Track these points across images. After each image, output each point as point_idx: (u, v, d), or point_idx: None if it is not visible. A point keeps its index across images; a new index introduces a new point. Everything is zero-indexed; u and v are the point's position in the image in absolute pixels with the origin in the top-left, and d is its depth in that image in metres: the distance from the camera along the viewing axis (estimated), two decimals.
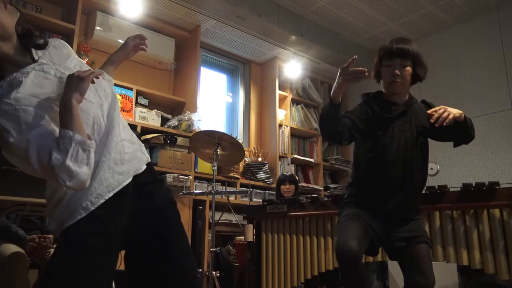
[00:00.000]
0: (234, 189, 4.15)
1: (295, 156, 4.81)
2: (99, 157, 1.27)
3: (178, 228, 1.46)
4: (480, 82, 4.33)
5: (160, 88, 4.21)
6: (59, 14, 3.66)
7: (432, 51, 4.68)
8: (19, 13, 1.26)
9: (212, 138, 3.27)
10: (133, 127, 3.62)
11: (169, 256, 1.38)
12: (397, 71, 1.80)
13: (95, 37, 3.65)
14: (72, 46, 3.35)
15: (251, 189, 3.97)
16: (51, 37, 3.23)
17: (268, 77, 5.00)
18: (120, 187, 1.31)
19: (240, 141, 4.17)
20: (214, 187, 3.30)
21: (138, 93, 3.86)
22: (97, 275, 1.24)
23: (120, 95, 3.67)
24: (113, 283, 2.40)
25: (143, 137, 3.65)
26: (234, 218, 3.78)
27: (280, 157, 4.67)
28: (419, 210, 1.90)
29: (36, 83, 1.22)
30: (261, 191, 4.35)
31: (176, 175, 3.62)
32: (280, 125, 4.75)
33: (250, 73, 5.07)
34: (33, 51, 1.30)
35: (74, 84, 1.22)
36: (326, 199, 2.55)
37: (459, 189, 2.14)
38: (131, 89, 3.77)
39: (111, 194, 1.28)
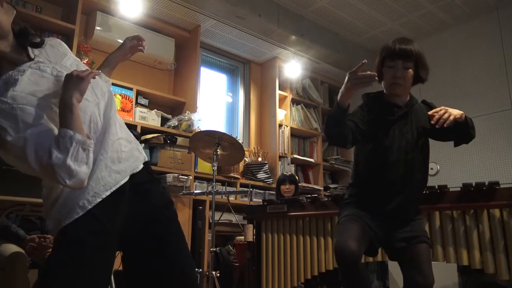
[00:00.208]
0: (234, 189, 4.15)
1: (295, 156, 4.81)
2: (96, 156, 1.27)
3: (175, 228, 1.46)
4: (480, 82, 4.34)
5: (160, 88, 4.21)
6: (59, 14, 3.66)
7: (432, 51, 4.68)
8: (15, 11, 1.26)
9: (212, 138, 3.27)
10: (133, 127, 3.62)
11: (166, 256, 1.38)
12: (399, 73, 1.79)
13: (95, 37, 3.65)
14: (72, 46, 3.38)
15: (251, 189, 3.97)
16: (51, 37, 3.22)
17: (268, 77, 5.00)
18: (117, 185, 1.30)
19: (240, 141, 4.17)
20: (214, 187, 3.30)
21: (138, 93, 3.86)
22: (95, 274, 1.24)
23: (120, 95, 3.67)
24: (113, 283, 2.41)
25: (143, 137, 3.65)
26: (234, 218, 3.78)
27: (280, 157, 4.67)
28: (419, 210, 1.90)
29: (32, 81, 1.22)
30: (261, 191, 4.35)
31: (176, 175, 3.62)
32: (280, 125, 4.75)
33: (250, 73, 5.07)
34: (30, 49, 1.29)
35: (74, 84, 1.22)
36: (326, 199, 2.54)
37: (459, 189, 2.14)
38: (131, 89, 3.77)
39: (108, 193, 1.28)
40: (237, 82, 5.06)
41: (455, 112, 1.76)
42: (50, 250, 2.27)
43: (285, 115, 4.86)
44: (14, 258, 2.15)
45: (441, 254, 2.08)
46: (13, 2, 3.25)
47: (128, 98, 3.73)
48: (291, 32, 4.38)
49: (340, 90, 1.69)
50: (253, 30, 4.34)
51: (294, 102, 5.02)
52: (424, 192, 2.18)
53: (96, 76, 1.32)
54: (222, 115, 4.90)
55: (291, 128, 4.83)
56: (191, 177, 3.78)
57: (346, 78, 1.65)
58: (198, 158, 3.88)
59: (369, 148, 1.84)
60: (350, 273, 1.60)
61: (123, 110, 3.66)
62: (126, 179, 1.34)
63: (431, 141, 1.91)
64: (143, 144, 3.64)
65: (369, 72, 1.62)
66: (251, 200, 3.97)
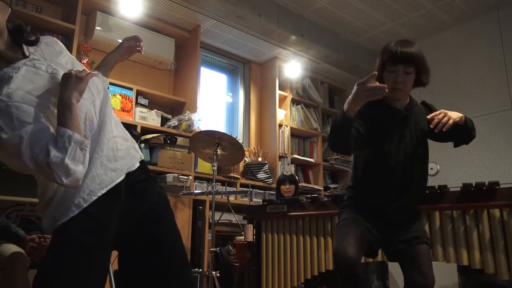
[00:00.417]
0: (234, 189, 4.15)
1: (295, 156, 4.81)
2: (92, 154, 1.26)
3: (172, 227, 1.45)
4: (480, 82, 4.34)
5: (160, 88, 4.21)
6: (59, 14, 3.66)
7: (432, 51, 4.68)
8: (10, 9, 1.26)
9: (212, 138, 3.27)
10: (133, 127, 3.62)
11: (163, 256, 1.37)
12: (400, 78, 1.76)
13: (95, 37, 3.65)
14: (72, 46, 3.38)
15: (251, 189, 3.97)
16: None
17: (268, 77, 5.00)
18: (113, 184, 1.30)
19: (240, 141, 4.17)
20: (214, 187, 3.30)
21: (138, 93, 3.86)
22: (91, 273, 1.24)
23: (120, 95, 3.67)
24: (113, 283, 2.40)
25: (143, 137, 3.65)
26: (234, 218, 3.78)
27: (280, 157, 4.67)
28: (419, 212, 1.89)
29: (27, 79, 1.22)
30: (261, 191, 4.35)
31: (176, 175, 3.62)
32: (280, 125, 4.75)
33: (250, 73, 5.06)
34: (25, 47, 1.29)
35: (74, 84, 1.22)
36: (326, 199, 2.54)
37: (459, 189, 2.14)
38: (131, 89, 3.77)
39: (104, 191, 1.27)
40: (237, 82, 5.06)
41: (455, 116, 1.74)
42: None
43: (285, 115, 4.86)
44: (14, 258, 2.15)
45: (441, 254, 2.08)
46: (13, 2, 3.25)
47: (128, 98, 3.73)
48: (291, 32, 4.38)
49: (347, 101, 1.66)
50: (253, 30, 4.34)
51: (294, 102, 5.02)
52: (425, 192, 2.18)
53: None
54: (222, 115, 4.90)
55: (291, 128, 4.83)
56: (191, 177, 3.78)
57: (355, 89, 1.62)
58: (198, 158, 3.88)
59: (369, 152, 1.83)
60: (349, 278, 1.62)
61: (123, 110, 3.66)
62: (122, 177, 1.34)
63: (430, 141, 1.91)
64: (143, 144, 3.64)
65: (379, 84, 1.59)
66: (251, 200, 3.97)
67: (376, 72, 1.63)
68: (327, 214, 2.48)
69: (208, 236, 3.69)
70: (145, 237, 1.38)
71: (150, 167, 3.53)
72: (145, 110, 3.84)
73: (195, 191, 3.64)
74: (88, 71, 1.30)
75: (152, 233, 1.39)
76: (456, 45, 4.59)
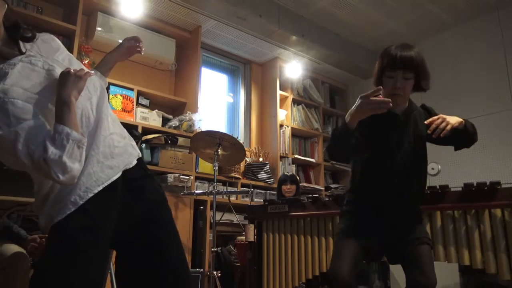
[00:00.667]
0: (235, 189, 4.16)
1: (296, 156, 4.81)
2: (88, 151, 1.26)
3: (169, 226, 1.45)
4: (481, 82, 4.33)
5: (161, 88, 4.21)
6: (60, 15, 3.67)
7: (433, 51, 4.68)
8: (6, 5, 1.26)
9: (213, 138, 3.27)
10: (134, 127, 3.62)
11: (161, 255, 1.37)
12: (399, 84, 1.74)
13: (96, 37, 3.66)
14: (73, 47, 3.38)
15: (252, 189, 3.97)
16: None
17: (269, 78, 5.00)
18: (110, 181, 1.30)
19: (241, 141, 4.18)
20: (215, 187, 3.30)
21: (139, 94, 3.87)
22: (89, 270, 1.24)
23: (121, 95, 3.68)
24: (114, 283, 2.41)
25: (144, 138, 3.66)
26: (235, 218, 3.78)
27: (281, 157, 4.67)
28: (420, 212, 1.89)
29: (23, 75, 1.21)
30: (262, 191, 4.35)
31: (177, 175, 3.62)
32: (281, 125, 4.76)
33: (251, 74, 5.07)
34: (21, 43, 1.29)
35: (73, 82, 1.22)
36: (327, 199, 2.54)
37: (460, 189, 2.14)
38: (132, 89, 3.77)
39: (100, 188, 1.27)
40: (238, 82, 5.07)
41: (453, 121, 1.71)
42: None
43: (286, 115, 4.86)
44: (15, 258, 2.15)
45: (442, 254, 2.08)
46: (14, 3, 3.26)
47: (129, 98, 3.73)
48: (292, 32, 4.38)
49: (349, 112, 1.64)
50: (253, 31, 4.35)
51: (295, 102, 5.03)
52: (425, 191, 2.18)
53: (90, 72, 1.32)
54: (223, 115, 4.91)
55: (292, 128, 4.83)
56: (192, 177, 3.78)
57: (358, 102, 1.60)
58: (199, 158, 3.89)
59: (366, 156, 1.81)
60: None
61: (124, 110, 3.67)
62: (119, 174, 1.33)
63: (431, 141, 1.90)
64: (144, 145, 3.64)
65: (384, 98, 1.57)
66: (252, 200, 3.97)
67: (382, 87, 1.61)
68: (328, 214, 2.48)
69: (209, 236, 3.69)
70: (143, 236, 1.37)
71: (151, 167, 3.54)
72: (146, 110, 3.84)
73: (196, 191, 3.65)
74: (87, 70, 1.30)
75: (150, 232, 1.38)
76: (457, 45, 4.59)
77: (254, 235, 2.80)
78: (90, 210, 1.25)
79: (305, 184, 4.74)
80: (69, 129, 1.17)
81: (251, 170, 4.42)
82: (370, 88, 1.93)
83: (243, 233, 3.51)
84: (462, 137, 1.80)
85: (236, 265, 3.65)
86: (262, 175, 4.42)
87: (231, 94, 5.04)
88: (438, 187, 2.19)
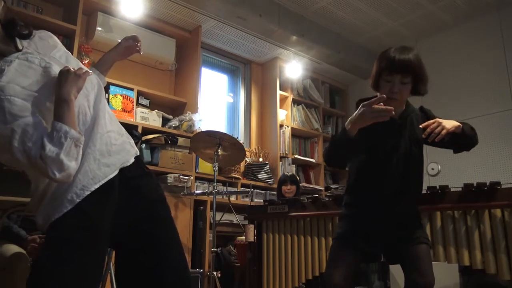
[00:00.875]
0: (235, 189, 4.16)
1: (296, 156, 4.81)
2: (84, 148, 1.26)
3: (168, 225, 1.44)
4: (481, 82, 4.33)
5: (161, 88, 4.21)
6: (60, 15, 3.67)
7: (433, 51, 4.68)
8: (3, 3, 1.26)
9: (213, 138, 3.27)
10: (134, 127, 3.62)
11: (160, 254, 1.36)
12: (396, 89, 1.71)
13: (96, 37, 3.66)
14: (73, 47, 3.38)
15: (252, 190, 3.97)
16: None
17: (269, 78, 5.00)
18: (106, 179, 1.29)
19: (241, 142, 4.18)
20: (215, 188, 3.30)
21: (139, 94, 3.87)
22: (86, 269, 1.23)
23: (121, 95, 3.68)
24: (114, 282, 2.40)
25: (144, 138, 3.66)
26: (235, 218, 3.78)
27: (281, 158, 4.67)
28: (418, 213, 1.88)
29: (20, 72, 1.21)
30: (262, 192, 4.35)
31: (177, 175, 3.62)
32: (281, 126, 4.75)
33: (251, 74, 5.07)
34: (18, 40, 1.28)
35: (73, 80, 1.22)
36: (327, 199, 2.54)
37: (460, 189, 2.14)
38: (132, 89, 3.77)
39: (97, 186, 1.27)
40: (238, 82, 5.07)
41: (449, 126, 1.69)
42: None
43: (286, 115, 4.86)
44: (15, 258, 2.15)
45: (442, 254, 2.08)
46: (14, 3, 3.26)
47: (129, 98, 3.73)
48: (292, 32, 4.38)
49: (350, 120, 1.62)
50: (253, 31, 4.34)
51: (295, 102, 5.02)
52: (425, 192, 2.18)
53: (87, 69, 1.33)
54: (223, 115, 4.91)
55: (292, 128, 4.83)
56: (192, 178, 3.78)
57: (360, 110, 1.58)
58: (199, 159, 3.88)
59: (361, 159, 1.81)
60: None
61: (124, 110, 3.67)
62: (116, 172, 1.33)
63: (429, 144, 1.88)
64: (144, 145, 3.64)
65: (386, 107, 1.55)
66: (252, 200, 3.97)
67: (385, 95, 1.59)
68: (328, 214, 2.48)
69: (209, 236, 3.69)
70: (142, 235, 1.37)
71: (151, 167, 3.54)
72: (146, 110, 3.84)
73: (196, 192, 3.65)
74: (86, 69, 1.30)
75: (149, 231, 1.38)
76: (457, 45, 4.59)
77: (254, 236, 2.80)
78: (87, 208, 1.24)
79: (305, 184, 4.74)
80: (68, 127, 1.17)
81: (251, 170, 4.42)
82: (370, 88, 1.93)
83: (243, 233, 3.51)
84: (460, 141, 1.79)
85: (236, 266, 3.65)
86: (262, 175, 4.42)
87: (231, 94, 5.03)
88: (438, 187, 2.19)
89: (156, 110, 3.92)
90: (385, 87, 1.74)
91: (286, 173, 3.89)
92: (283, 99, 4.93)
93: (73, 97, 1.21)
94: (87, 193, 1.25)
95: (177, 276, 1.40)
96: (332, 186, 5.08)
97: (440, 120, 1.71)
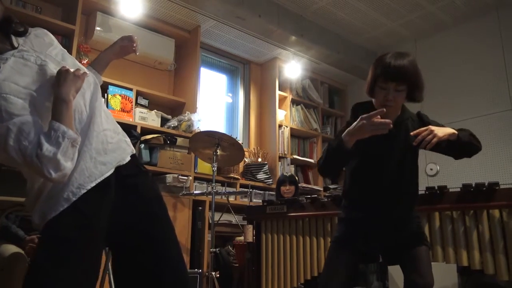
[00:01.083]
0: (234, 189, 4.15)
1: (295, 156, 4.81)
2: (80, 147, 1.26)
3: (164, 223, 1.44)
4: (480, 83, 4.33)
5: (160, 88, 4.21)
6: (59, 15, 3.66)
7: (432, 51, 4.68)
8: None
9: (212, 138, 3.27)
10: (133, 127, 3.62)
11: (157, 253, 1.36)
12: (390, 96, 1.70)
13: (95, 37, 3.65)
14: (72, 47, 3.38)
15: (251, 190, 3.97)
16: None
17: (268, 78, 5.00)
18: (103, 177, 1.29)
19: (240, 142, 4.17)
20: (214, 188, 3.30)
21: (138, 94, 3.86)
22: (82, 268, 1.23)
23: (120, 95, 3.67)
24: (113, 281, 2.40)
25: (143, 138, 3.65)
26: (234, 218, 3.78)
27: (280, 158, 4.67)
28: (416, 214, 1.86)
29: (15, 70, 1.21)
30: (261, 192, 4.35)
31: (176, 175, 3.62)
32: (280, 126, 4.75)
33: (250, 74, 5.07)
34: (13, 38, 1.28)
35: (72, 81, 1.22)
36: (326, 199, 2.55)
37: (458, 189, 2.14)
38: (131, 89, 3.77)
39: (93, 184, 1.27)
40: (237, 82, 5.06)
41: (441, 133, 1.66)
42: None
43: (285, 116, 4.86)
44: (13, 258, 2.15)
45: (440, 254, 2.09)
46: (13, 3, 3.26)
47: (128, 98, 3.73)
48: (291, 32, 4.38)
49: (348, 131, 1.62)
50: (253, 31, 4.34)
51: (294, 102, 5.02)
52: (424, 192, 2.19)
53: (83, 68, 1.34)
54: (222, 115, 4.91)
55: (291, 129, 4.83)
56: (191, 178, 3.78)
57: (359, 122, 1.58)
58: (198, 159, 3.88)
59: (355, 164, 1.80)
60: None
61: (123, 110, 3.66)
62: (112, 171, 1.33)
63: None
64: (143, 145, 3.64)
65: (385, 120, 1.56)
66: (251, 200, 3.97)
67: (384, 109, 1.60)
68: (327, 215, 2.48)
69: (207, 236, 3.69)
70: (139, 234, 1.36)
71: (150, 167, 3.54)
72: (145, 110, 3.84)
73: (194, 192, 3.64)
74: (83, 71, 1.30)
75: (145, 230, 1.37)
76: (456, 46, 4.59)
77: (253, 236, 2.80)
78: (83, 207, 1.24)
79: (304, 185, 4.74)
80: (66, 127, 1.17)
81: (250, 171, 4.41)
82: (363, 94, 1.90)
83: (242, 233, 3.51)
84: (457, 149, 1.77)
85: (234, 266, 3.65)
86: (261, 176, 4.42)
87: (230, 94, 5.03)
88: (436, 187, 2.19)
89: (155, 110, 3.91)
90: (380, 94, 1.73)
91: (285, 174, 3.88)
92: (282, 99, 4.93)
93: (71, 98, 1.21)
94: (83, 191, 1.25)
95: (176, 277, 1.39)
96: (331, 186, 5.08)
97: (433, 128, 1.68)
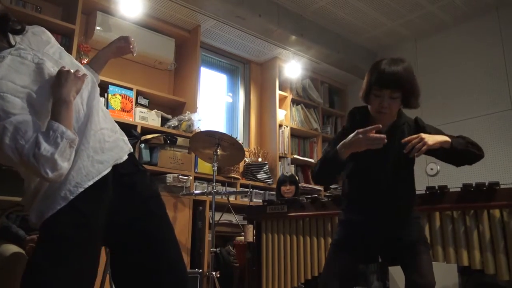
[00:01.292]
0: (234, 189, 4.15)
1: (295, 156, 4.81)
2: (78, 146, 1.25)
3: (162, 221, 1.43)
4: (480, 82, 4.33)
5: (160, 88, 4.20)
6: (59, 14, 3.66)
7: (432, 51, 4.68)
8: None
9: (212, 138, 3.27)
10: (133, 127, 3.62)
11: (156, 251, 1.36)
12: (385, 103, 1.70)
13: (95, 37, 3.65)
14: (72, 46, 3.38)
15: (251, 190, 3.96)
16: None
17: (268, 77, 5.00)
18: (100, 176, 1.29)
19: (240, 141, 4.17)
20: (214, 188, 3.30)
21: (138, 93, 3.86)
22: (80, 267, 1.23)
23: (120, 95, 3.67)
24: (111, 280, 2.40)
25: (143, 137, 3.65)
26: (234, 218, 3.78)
27: (280, 158, 4.67)
28: (414, 215, 1.85)
29: (12, 68, 1.20)
30: (261, 192, 4.35)
31: (176, 175, 3.62)
32: (280, 125, 4.75)
33: (250, 73, 5.06)
34: (10, 36, 1.27)
35: (73, 82, 1.22)
36: (326, 199, 2.55)
37: (459, 189, 2.14)
38: (131, 89, 3.77)
39: (90, 183, 1.26)
40: (237, 82, 5.06)
41: (431, 142, 1.64)
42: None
43: (285, 115, 4.86)
44: (14, 258, 2.15)
45: (441, 254, 2.09)
46: (12, 2, 3.25)
47: (128, 98, 3.73)
48: (291, 32, 4.37)
49: (344, 143, 1.64)
50: (253, 30, 4.34)
51: (294, 102, 5.02)
52: (424, 192, 2.19)
53: (81, 66, 1.34)
54: (222, 115, 4.90)
55: (291, 128, 4.83)
56: (191, 178, 3.78)
57: (355, 136, 1.60)
58: (198, 159, 3.88)
59: (350, 168, 1.81)
60: None
61: (123, 110, 3.66)
62: (109, 169, 1.33)
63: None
64: (143, 145, 3.64)
65: (380, 135, 1.58)
66: (251, 200, 3.97)
67: (380, 125, 1.61)
68: (327, 215, 2.48)
69: (208, 236, 3.69)
70: (136, 232, 1.36)
71: (150, 167, 3.54)
72: (145, 110, 3.84)
73: (195, 192, 3.64)
74: (83, 72, 1.30)
75: (144, 229, 1.37)
76: (456, 45, 4.59)
77: (253, 236, 2.80)
78: (81, 206, 1.24)
79: (304, 185, 4.74)
80: (65, 128, 1.16)
81: (250, 170, 4.41)
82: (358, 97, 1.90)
83: (242, 233, 3.51)
84: (452, 157, 1.75)
85: (235, 266, 3.65)
86: (261, 175, 4.42)
87: (230, 94, 5.03)
88: (437, 187, 2.19)
89: (155, 110, 3.91)
90: (374, 102, 1.73)
91: (285, 173, 3.88)
92: (282, 99, 4.92)
93: (72, 98, 1.21)
94: (81, 190, 1.24)
95: (176, 277, 1.39)
96: (331, 186, 5.08)
97: (424, 136, 1.66)
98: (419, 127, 1.80)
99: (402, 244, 1.74)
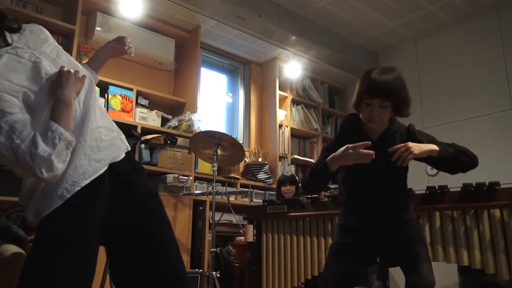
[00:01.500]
0: (234, 189, 4.15)
1: (295, 156, 4.81)
2: (74, 144, 1.25)
3: (160, 219, 1.43)
4: (480, 82, 4.33)
5: (160, 88, 4.21)
6: (59, 15, 3.67)
7: (432, 51, 4.69)
8: None
9: (212, 138, 3.27)
10: (133, 127, 3.62)
11: (154, 250, 1.35)
12: (375, 112, 1.71)
13: (95, 37, 3.65)
14: (72, 47, 3.38)
15: (251, 190, 3.96)
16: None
17: (268, 78, 5.00)
18: (97, 174, 1.29)
19: (240, 142, 4.17)
20: (214, 188, 3.30)
21: (138, 94, 3.86)
22: (78, 266, 1.23)
23: (120, 95, 3.68)
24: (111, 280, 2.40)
25: (143, 138, 3.65)
26: (234, 218, 3.78)
27: (280, 158, 4.67)
28: (411, 216, 1.85)
29: (9, 67, 1.20)
30: (261, 192, 4.35)
31: (176, 175, 3.62)
32: (280, 126, 4.75)
33: (250, 74, 5.07)
34: (7, 34, 1.26)
35: (73, 83, 1.22)
36: (326, 199, 2.55)
37: (459, 189, 2.15)
38: (131, 89, 3.77)
39: (87, 181, 1.26)
40: (237, 82, 5.06)
41: (417, 151, 1.65)
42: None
43: (285, 116, 4.86)
44: (14, 258, 2.15)
45: (441, 254, 2.09)
46: (13, 3, 3.26)
47: (128, 98, 3.73)
48: (291, 32, 4.38)
49: (333, 157, 1.69)
50: (253, 31, 4.35)
51: (294, 102, 5.02)
52: (425, 192, 2.19)
53: (78, 63, 1.35)
54: (222, 115, 4.91)
55: (291, 129, 4.83)
56: (191, 178, 3.78)
57: (345, 151, 1.64)
58: (198, 159, 3.88)
59: (343, 175, 1.84)
60: None
61: (123, 110, 3.67)
62: (106, 168, 1.32)
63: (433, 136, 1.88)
64: (143, 145, 3.64)
65: (369, 151, 1.61)
66: (251, 200, 3.97)
67: (370, 142, 1.64)
68: (328, 215, 2.48)
69: (208, 236, 3.69)
70: (134, 231, 1.36)
71: (150, 167, 3.54)
72: (145, 110, 3.84)
73: (195, 192, 3.64)
74: (82, 74, 1.30)
75: (141, 226, 1.36)
76: (456, 45, 4.59)
77: (253, 236, 2.80)
78: (77, 204, 1.24)
79: None
80: (63, 129, 1.16)
81: (250, 171, 4.42)
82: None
83: (243, 233, 3.51)
84: (442, 165, 1.77)
85: (235, 266, 3.65)
86: (261, 176, 4.42)
87: (230, 94, 5.03)
88: (437, 187, 2.20)
89: (156, 110, 3.92)
90: (365, 110, 1.74)
91: (285, 173, 3.89)
92: (282, 99, 4.93)
93: (73, 100, 1.21)
94: (78, 188, 1.24)
95: (175, 277, 1.39)
96: (332, 186, 5.07)
97: (411, 145, 1.67)
98: (410, 134, 1.81)
99: (400, 244, 1.74)
